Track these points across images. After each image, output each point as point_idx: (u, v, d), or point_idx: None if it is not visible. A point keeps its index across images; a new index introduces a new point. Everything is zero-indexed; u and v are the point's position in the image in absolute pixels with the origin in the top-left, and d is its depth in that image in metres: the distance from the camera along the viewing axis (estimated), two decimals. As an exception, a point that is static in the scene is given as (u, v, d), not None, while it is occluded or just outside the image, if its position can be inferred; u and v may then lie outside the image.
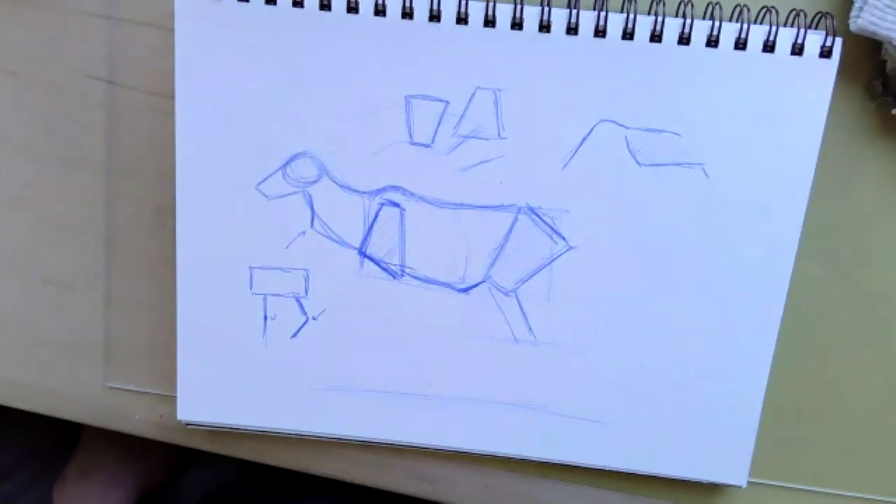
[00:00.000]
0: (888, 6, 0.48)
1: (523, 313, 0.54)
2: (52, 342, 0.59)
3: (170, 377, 0.58)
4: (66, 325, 0.59)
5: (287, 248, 0.53)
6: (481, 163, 0.52)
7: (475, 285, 0.53)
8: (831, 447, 0.57)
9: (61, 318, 0.59)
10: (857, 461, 0.57)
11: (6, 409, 0.61)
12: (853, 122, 0.53)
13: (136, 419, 0.60)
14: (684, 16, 0.49)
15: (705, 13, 0.50)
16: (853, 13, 0.49)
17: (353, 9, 0.50)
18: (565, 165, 0.51)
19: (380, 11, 0.50)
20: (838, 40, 0.48)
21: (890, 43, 0.48)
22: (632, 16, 0.49)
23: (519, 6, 0.49)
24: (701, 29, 0.49)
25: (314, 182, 0.52)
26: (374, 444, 0.57)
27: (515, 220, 0.52)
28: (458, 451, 0.57)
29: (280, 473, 0.63)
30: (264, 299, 0.54)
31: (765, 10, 0.49)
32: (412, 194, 0.52)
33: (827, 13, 0.48)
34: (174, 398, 0.58)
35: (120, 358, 0.59)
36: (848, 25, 0.49)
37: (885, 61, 0.50)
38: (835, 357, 0.56)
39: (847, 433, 0.57)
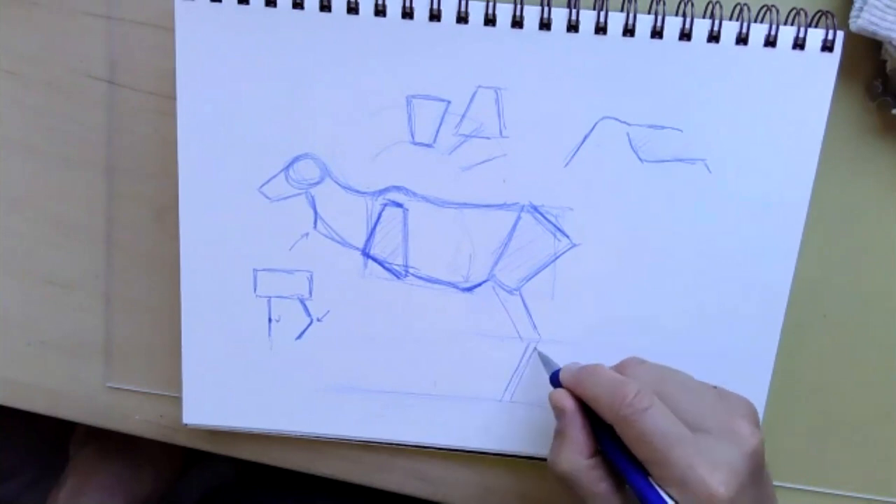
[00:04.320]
0: (888, 6, 0.48)
1: (528, 311, 0.54)
2: (52, 342, 0.59)
3: (170, 377, 0.58)
4: (66, 325, 0.59)
5: (290, 249, 0.53)
6: (483, 162, 0.52)
7: (479, 284, 0.53)
8: (831, 447, 0.57)
9: (61, 318, 0.59)
10: (858, 461, 0.57)
11: (6, 409, 0.60)
12: (853, 122, 0.53)
13: (136, 419, 0.60)
14: (684, 15, 0.49)
15: (705, 12, 0.50)
16: (853, 13, 0.49)
17: (353, 9, 0.50)
18: (568, 163, 0.52)
19: (380, 12, 0.50)
20: (840, 34, 0.49)
21: (890, 43, 0.49)
22: (632, 15, 0.49)
23: (519, 5, 0.49)
24: (702, 25, 0.49)
25: (317, 183, 0.52)
26: (374, 444, 0.57)
27: (518, 218, 0.52)
28: (458, 451, 0.57)
29: (279, 473, 0.63)
30: (269, 301, 0.54)
31: (765, 8, 0.49)
32: (415, 194, 0.52)
33: (827, 12, 0.48)
34: (174, 398, 0.58)
35: (120, 358, 0.59)
36: (848, 25, 0.49)
37: (885, 61, 0.51)
38: (835, 357, 0.56)
39: (847, 433, 0.57)
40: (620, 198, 0.52)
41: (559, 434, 0.47)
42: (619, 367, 0.48)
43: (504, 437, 0.56)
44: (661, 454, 0.42)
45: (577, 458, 0.46)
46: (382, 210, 0.53)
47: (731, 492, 0.41)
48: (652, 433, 0.42)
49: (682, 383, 0.46)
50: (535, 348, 0.54)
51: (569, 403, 0.47)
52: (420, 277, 0.53)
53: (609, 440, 0.45)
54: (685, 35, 0.49)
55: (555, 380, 0.50)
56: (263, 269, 0.54)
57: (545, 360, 0.53)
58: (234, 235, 0.53)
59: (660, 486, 0.42)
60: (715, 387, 0.47)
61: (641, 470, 0.43)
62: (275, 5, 0.50)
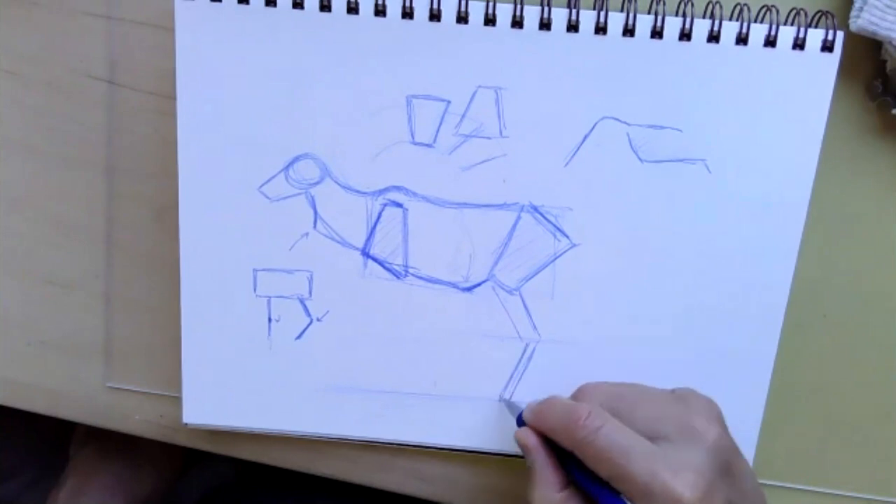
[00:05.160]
0: (888, 6, 0.48)
1: (527, 311, 0.54)
2: (52, 342, 0.59)
3: (170, 377, 0.58)
4: (66, 325, 0.59)
5: (290, 249, 0.53)
6: (483, 161, 0.52)
7: (479, 284, 0.53)
8: (831, 447, 0.57)
9: (61, 318, 0.59)
10: (857, 461, 0.57)
11: (6, 409, 0.60)
12: (853, 122, 0.53)
13: (136, 419, 0.60)
14: (684, 15, 0.49)
15: (705, 12, 0.50)
16: (853, 13, 0.49)
17: (353, 9, 0.50)
18: (567, 163, 0.52)
19: (380, 11, 0.50)
20: (840, 34, 0.49)
21: (890, 43, 0.49)
22: (632, 14, 0.49)
23: (519, 5, 0.49)
24: (702, 25, 0.49)
25: (316, 183, 0.52)
26: (374, 444, 0.57)
27: (518, 218, 0.52)
28: (458, 451, 0.57)
29: (279, 473, 0.63)
30: (268, 301, 0.54)
31: (765, 9, 0.49)
32: (415, 194, 0.52)
33: (827, 12, 0.48)
34: (174, 398, 0.58)
35: (120, 358, 0.59)
36: (848, 25, 0.49)
37: (885, 61, 0.51)
38: (835, 357, 0.56)
39: (847, 433, 0.57)
40: (620, 198, 0.52)
41: (529, 471, 0.47)
42: (575, 394, 0.49)
43: (504, 437, 0.56)
44: (622, 468, 0.42)
45: (548, 493, 0.46)
46: (382, 210, 0.53)
47: (699, 492, 0.41)
48: (609, 450, 0.42)
49: (637, 396, 0.47)
50: (500, 397, 0.55)
51: (531, 440, 0.47)
52: (420, 277, 0.53)
53: (577, 469, 0.45)
54: (685, 35, 0.49)
55: (520, 421, 0.50)
56: (263, 269, 0.54)
57: (510, 406, 0.54)
58: (234, 235, 0.53)
59: (630, 501, 0.42)
60: (673, 391, 0.47)
61: (612, 491, 0.43)
62: (275, 5, 0.50)
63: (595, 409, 0.44)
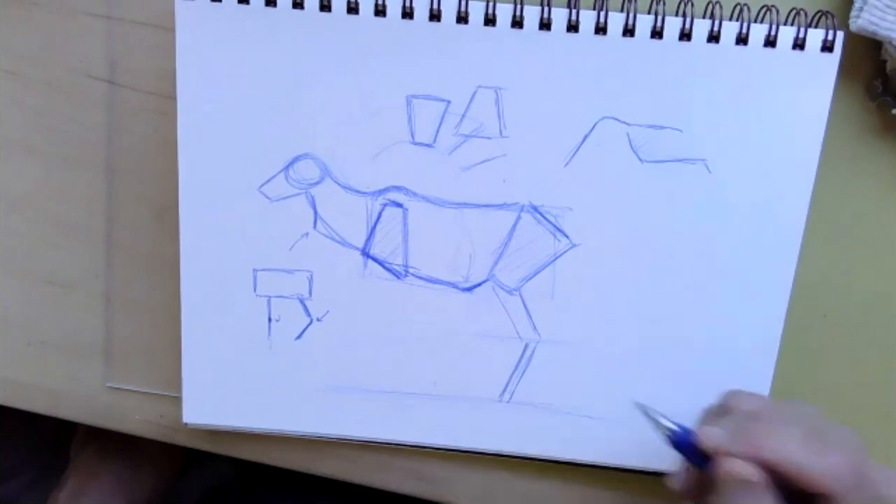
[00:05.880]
0: (888, 6, 0.48)
1: (527, 311, 0.54)
2: (52, 342, 0.59)
3: (170, 377, 0.58)
4: (66, 325, 0.59)
5: (290, 249, 0.53)
6: (483, 162, 0.52)
7: (479, 284, 0.53)
8: (831, 446, 0.57)
9: (61, 318, 0.59)
10: (857, 460, 0.57)
11: (6, 409, 0.60)
12: (853, 122, 0.53)
13: (136, 419, 0.60)
14: (684, 15, 0.49)
15: (705, 12, 0.50)
16: (853, 13, 0.49)
17: (353, 9, 0.50)
18: (567, 163, 0.52)
19: (380, 12, 0.50)
20: (840, 34, 0.49)
21: (890, 43, 0.49)
22: (632, 14, 0.49)
23: (519, 5, 0.49)
24: (702, 25, 0.49)
25: (317, 183, 0.52)
26: (374, 444, 0.57)
27: (518, 218, 0.52)
28: (458, 451, 0.57)
29: (279, 473, 0.63)
30: (268, 301, 0.54)
31: (765, 9, 0.49)
32: (415, 194, 0.52)
33: (827, 12, 0.48)
34: (174, 398, 0.58)
35: (120, 358, 0.59)
36: (848, 25, 0.49)
37: (885, 61, 0.51)
38: (835, 357, 0.56)
39: (847, 432, 0.57)
40: (620, 198, 0.52)
41: None
42: (752, 411, 0.42)
43: (504, 437, 0.56)
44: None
45: None
46: (382, 210, 0.53)
47: None
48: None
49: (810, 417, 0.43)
50: (635, 402, 0.47)
51: (755, 474, 0.39)
52: (420, 277, 0.53)
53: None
54: (685, 35, 0.49)
55: (682, 442, 0.42)
56: (263, 269, 0.54)
57: (647, 412, 0.45)
58: (234, 235, 0.53)
59: None
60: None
61: None
62: (275, 5, 0.50)
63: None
